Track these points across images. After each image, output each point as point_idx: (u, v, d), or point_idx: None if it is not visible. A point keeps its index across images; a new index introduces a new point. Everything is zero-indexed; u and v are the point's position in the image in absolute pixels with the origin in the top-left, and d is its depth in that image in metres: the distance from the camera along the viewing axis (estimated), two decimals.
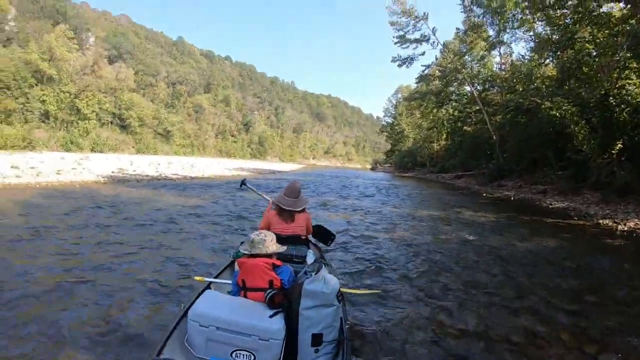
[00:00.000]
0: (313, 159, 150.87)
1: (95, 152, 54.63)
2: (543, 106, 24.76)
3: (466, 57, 43.06)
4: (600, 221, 15.57)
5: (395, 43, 40.62)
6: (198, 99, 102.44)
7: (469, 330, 5.08)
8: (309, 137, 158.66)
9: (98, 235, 9.32)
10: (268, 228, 5.07)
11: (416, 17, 38.69)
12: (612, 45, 21.45)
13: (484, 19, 37.79)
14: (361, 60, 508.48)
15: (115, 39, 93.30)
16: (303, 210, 5.35)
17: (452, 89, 46.03)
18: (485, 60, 42.84)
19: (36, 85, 54.77)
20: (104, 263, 7.18)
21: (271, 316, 3.30)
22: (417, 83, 55.39)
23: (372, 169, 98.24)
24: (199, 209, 14.31)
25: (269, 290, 3.49)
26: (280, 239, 4.35)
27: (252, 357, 3.22)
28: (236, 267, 3.92)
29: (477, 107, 39.71)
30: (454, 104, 47.35)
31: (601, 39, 22.60)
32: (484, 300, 6.18)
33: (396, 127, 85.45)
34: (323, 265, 3.73)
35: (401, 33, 40.09)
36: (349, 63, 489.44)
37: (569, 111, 22.49)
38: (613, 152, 20.58)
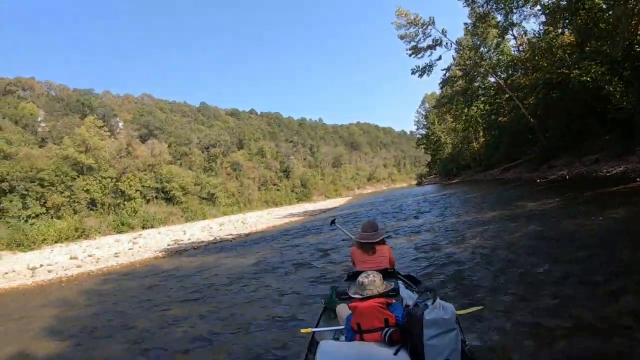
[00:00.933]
0: (358, 188, 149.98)
1: (146, 228, 56.00)
2: (572, 75, 24.09)
3: (482, 48, 42.60)
4: None
5: (410, 55, 40.44)
6: (233, 157, 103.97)
7: (582, 325, 4.86)
8: (348, 169, 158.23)
9: (175, 309, 9.40)
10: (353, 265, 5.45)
11: (423, 24, 38.52)
12: None
13: (489, 6, 37.24)
14: (379, 80, 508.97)
15: (142, 118, 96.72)
16: (383, 242, 5.62)
17: (476, 84, 45.31)
18: (502, 46, 42.28)
19: (78, 176, 57.05)
20: (196, 336, 7.18)
21: (395, 353, 3.32)
22: (441, 88, 54.98)
23: (418, 183, 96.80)
24: (264, 264, 14.16)
25: (386, 329, 3.52)
26: None
27: None
28: (340, 312, 4.34)
29: (507, 95, 38.95)
30: (482, 98, 46.54)
31: None
32: (583, 292, 5.81)
33: (432, 137, 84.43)
34: (434, 293, 3.70)
35: (413, 44, 39.88)
36: (368, 87, 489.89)
37: (599, 72, 21.81)
38: None
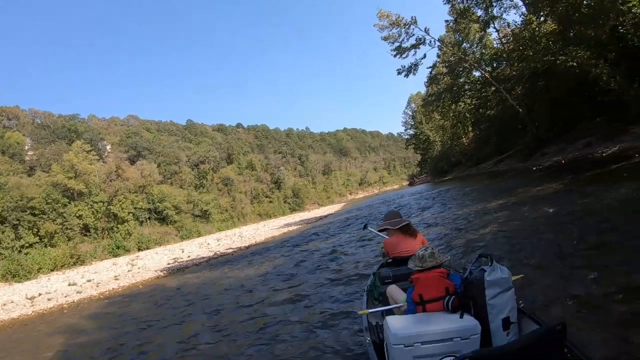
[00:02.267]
0: (350, 194, 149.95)
1: (142, 250, 55.74)
2: (558, 62, 24.13)
3: (464, 44, 42.72)
4: None
5: (395, 56, 40.37)
6: (223, 172, 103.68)
7: (622, 289, 4.87)
8: (339, 175, 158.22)
9: (190, 326, 9.20)
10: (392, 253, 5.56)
11: (405, 24, 38.52)
12: None
13: (468, 2, 37.34)
14: (363, 86, 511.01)
15: (129, 139, 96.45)
16: (417, 231, 5.71)
17: (462, 79, 45.29)
18: (484, 40, 42.48)
19: (69, 202, 56.92)
20: (222, 354, 6.96)
21: (461, 316, 3.58)
22: (427, 86, 55.07)
23: (410, 184, 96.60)
24: (274, 273, 13.99)
25: (447, 297, 3.79)
26: (404, 261, 4.92)
27: None
28: (392, 293, 4.64)
29: (494, 88, 38.96)
30: (469, 93, 46.59)
31: None
32: (617, 260, 5.78)
33: (420, 136, 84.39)
34: (490, 257, 3.74)
35: (397, 44, 39.84)
36: (352, 93, 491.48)
37: (584, 56, 21.86)
38: None
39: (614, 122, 22.33)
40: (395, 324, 3.63)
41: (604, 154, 19.82)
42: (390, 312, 4.52)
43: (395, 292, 4.69)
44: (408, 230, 5.50)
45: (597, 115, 24.53)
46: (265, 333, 7.26)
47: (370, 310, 4.69)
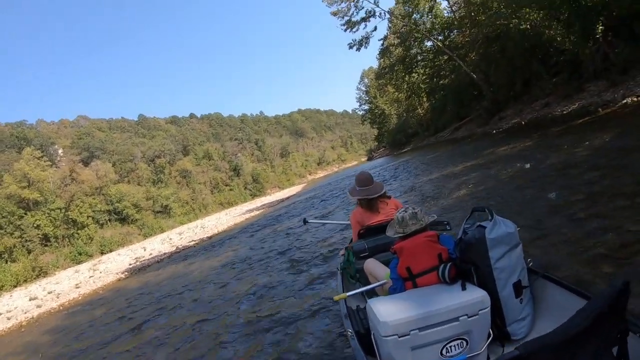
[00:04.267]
0: (309, 174, 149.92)
1: (105, 253, 54.66)
2: (511, 25, 24.31)
3: (415, 15, 42.72)
4: (625, 101, 14.98)
5: (345, 30, 40.01)
6: (180, 164, 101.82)
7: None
8: (297, 157, 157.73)
9: (151, 328, 8.67)
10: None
11: None
12: None
13: None
14: (312, 63, 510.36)
15: (81, 141, 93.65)
16: (388, 197, 4.79)
17: (414, 50, 45.47)
18: (434, 10, 42.54)
19: (25, 214, 54.87)
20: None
21: (463, 288, 2.84)
22: (379, 59, 55.00)
23: (369, 159, 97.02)
24: (236, 261, 13.59)
25: (442, 266, 3.02)
26: (380, 229, 4.14)
27: (465, 343, 2.76)
28: (370, 268, 3.98)
29: (446, 57, 39.24)
30: (422, 63, 46.82)
31: None
32: (615, 207, 5.48)
33: (376, 111, 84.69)
34: (489, 210, 3.11)
35: (346, 18, 39.43)
36: (304, 73, 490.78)
37: (537, 18, 22.02)
38: (598, 36, 19.82)
39: (570, 81, 22.63)
40: (383, 309, 2.84)
41: (564, 112, 20.09)
42: (373, 292, 3.92)
43: (374, 267, 4.00)
44: (369, 205, 4.66)
45: (553, 76, 24.89)
46: (231, 330, 6.68)
47: (348, 294, 3.83)
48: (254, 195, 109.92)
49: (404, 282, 3.16)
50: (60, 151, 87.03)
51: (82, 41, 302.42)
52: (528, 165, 10.15)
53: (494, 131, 26.76)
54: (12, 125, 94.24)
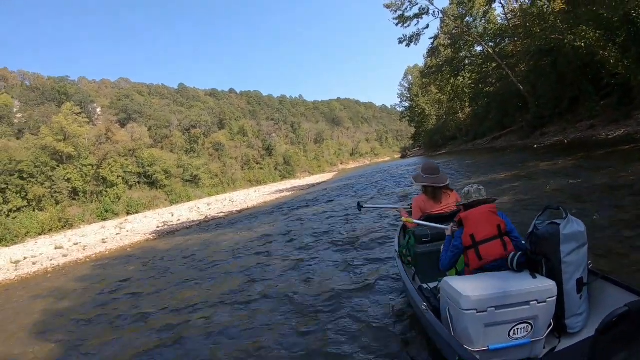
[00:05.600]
0: (341, 164, 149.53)
1: (131, 214, 55.09)
2: (566, 41, 23.65)
3: (468, 18, 41.97)
4: None
5: (397, 24, 39.57)
6: (215, 137, 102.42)
7: None
8: (331, 144, 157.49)
9: (185, 292, 8.46)
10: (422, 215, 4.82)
11: None
12: None
13: None
14: (357, 55, 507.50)
15: (120, 102, 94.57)
16: (451, 189, 5.08)
17: (463, 53, 44.65)
18: (488, 15, 41.72)
19: (58, 166, 55.50)
20: (218, 322, 6.26)
21: (534, 277, 3.11)
22: (427, 58, 54.25)
23: (403, 156, 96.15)
24: (271, 236, 13.45)
25: (512, 254, 3.27)
26: (442, 218, 4.47)
27: (530, 328, 3.02)
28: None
29: (495, 64, 38.35)
30: (469, 68, 46.03)
31: None
32: None
33: (416, 109, 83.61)
34: (563, 208, 3.31)
35: (399, 13, 38.90)
36: (348, 63, 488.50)
37: (594, 37, 21.37)
38: None
39: (619, 106, 21.93)
40: (462, 286, 3.10)
41: (609, 136, 19.51)
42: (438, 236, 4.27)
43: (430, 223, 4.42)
44: (433, 194, 4.87)
45: (602, 98, 24.19)
46: (273, 302, 6.49)
47: (416, 221, 4.42)
48: (283, 177, 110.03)
49: (468, 250, 3.47)
50: (98, 110, 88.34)
51: (132, 4, 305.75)
52: (571, 182, 10.13)
53: (535, 145, 26.04)
54: (55, 80, 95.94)
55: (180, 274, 10.25)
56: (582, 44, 22.01)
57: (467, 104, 56.21)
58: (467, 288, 3.03)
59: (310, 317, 5.52)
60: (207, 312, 6.72)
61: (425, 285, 4.05)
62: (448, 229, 3.82)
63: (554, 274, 3.15)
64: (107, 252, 20.01)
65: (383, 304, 5.39)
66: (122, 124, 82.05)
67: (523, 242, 3.54)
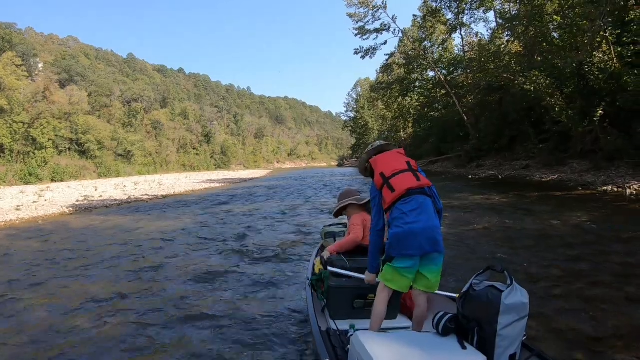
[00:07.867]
0: (277, 162, 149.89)
1: (55, 181, 52.48)
2: (516, 82, 24.76)
3: (426, 42, 43.15)
4: (605, 188, 15.55)
5: (356, 35, 40.42)
6: (155, 115, 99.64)
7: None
8: (270, 142, 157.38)
9: (86, 288, 7.01)
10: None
11: (374, 6, 38.38)
12: (588, 14, 21.04)
13: (442, 4, 37.74)
14: (313, 60, 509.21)
15: (64, 62, 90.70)
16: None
17: (415, 75, 45.79)
18: (447, 44, 43.04)
19: None
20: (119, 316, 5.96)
21: (463, 347, 2.65)
22: (380, 73, 55.25)
23: (340, 165, 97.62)
24: (188, 230, 12.69)
25: (440, 314, 2.90)
26: (363, 249, 4.02)
27: None
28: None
29: (444, 91, 39.66)
30: (418, 90, 47.29)
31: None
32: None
33: (360, 121, 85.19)
34: (508, 273, 2.81)
35: (361, 24, 39.74)
36: (301, 64, 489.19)
37: (544, 84, 22.41)
38: (595, 119, 20.29)
39: (555, 152, 23.20)
40: (378, 351, 2.55)
41: (542, 180, 20.69)
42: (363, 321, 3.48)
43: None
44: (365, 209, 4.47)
45: (540, 142, 25.42)
46: (159, 316, 5.46)
47: (331, 269, 3.84)
48: (218, 166, 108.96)
49: (383, 187, 3.28)
50: (40, 65, 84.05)
51: None
52: (506, 222, 10.27)
53: (470, 176, 27.24)
54: (0, 25, 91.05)
55: (77, 261, 9.26)
56: (532, 88, 22.90)
57: (410, 125, 57.59)
58: (382, 354, 2.51)
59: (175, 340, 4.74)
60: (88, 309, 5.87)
61: (334, 326, 3.51)
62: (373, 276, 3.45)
63: (486, 346, 2.73)
64: (17, 222, 18.60)
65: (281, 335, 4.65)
66: (62, 85, 78.23)
67: (440, 203, 3.44)
